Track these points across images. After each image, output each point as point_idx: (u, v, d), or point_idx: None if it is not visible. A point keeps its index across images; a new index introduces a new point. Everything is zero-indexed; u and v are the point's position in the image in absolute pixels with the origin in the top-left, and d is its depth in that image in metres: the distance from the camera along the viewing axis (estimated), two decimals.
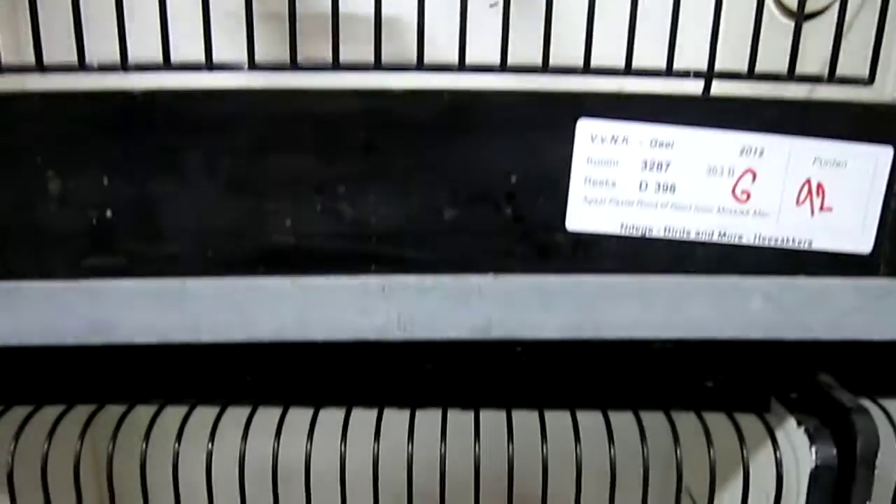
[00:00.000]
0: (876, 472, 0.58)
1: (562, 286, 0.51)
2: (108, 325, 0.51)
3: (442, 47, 0.49)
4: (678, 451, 0.61)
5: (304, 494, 0.62)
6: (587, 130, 0.49)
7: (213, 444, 0.61)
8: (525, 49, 0.50)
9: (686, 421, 0.65)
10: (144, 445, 0.61)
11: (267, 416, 0.64)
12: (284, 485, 0.62)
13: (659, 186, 0.51)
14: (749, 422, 0.64)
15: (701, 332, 0.52)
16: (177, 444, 0.61)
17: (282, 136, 0.50)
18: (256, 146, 0.50)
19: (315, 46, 0.49)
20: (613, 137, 0.50)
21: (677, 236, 0.51)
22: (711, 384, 0.66)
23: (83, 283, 0.51)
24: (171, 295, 0.51)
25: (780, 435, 0.62)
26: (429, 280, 0.51)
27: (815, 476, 0.59)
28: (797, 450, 0.60)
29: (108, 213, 0.50)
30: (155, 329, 0.51)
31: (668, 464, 0.90)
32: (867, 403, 0.61)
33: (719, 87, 0.51)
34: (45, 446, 0.61)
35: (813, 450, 0.59)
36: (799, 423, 0.61)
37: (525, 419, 0.64)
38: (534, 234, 0.51)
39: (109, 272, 0.51)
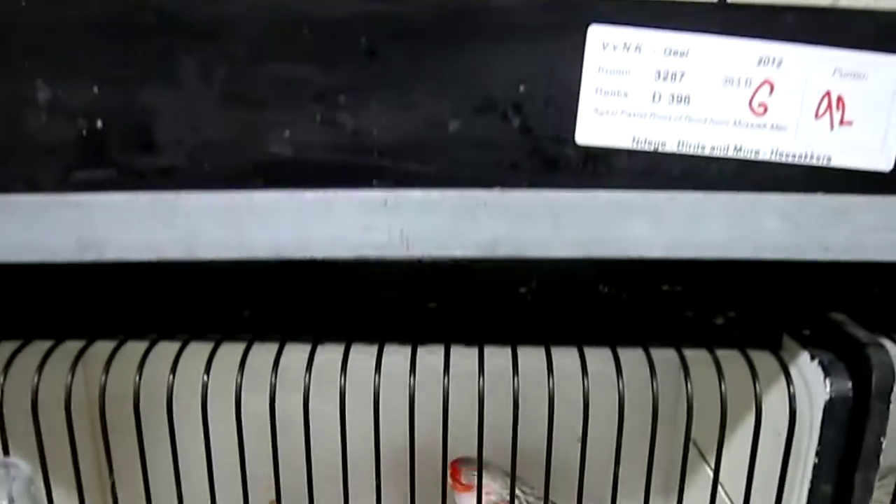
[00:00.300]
0: (891, 406, 0.57)
1: (571, 202, 0.49)
2: (98, 241, 0.49)
3: None
4: (688, 386, 0.59)
5: (302, 430, 0.60)
6: (598, 37, 0.47)
7: (208, 377, 0.59)
8: None
9: (693, 361, 0.63)
10: (138, 378, 0.59)
11: (264, 351, 0.62)
12: (283, 422, 0.60)
13: (673, 98, 0.49)
14: (760, 359, 0.62)
15: (714, 251, 0.50)
16: (171, 377, 0.59)
17: (280, 42, 0.47)
18: (254, 52, 0.47)
19: None
20: (626, 45, 0.48)
21: (691, 151, 0.49)
22: (722, 322, 0.64)
23: (72, 197, 0.49)
24: (164, 210, 0.49)
25: (793, 370, 0.60)
26: (433, 194, 0.49)
27: (829, 409, 0.57)
28: (811, 384, 0.59)
29: (99, 124, 0.48)
30: (147, 246, 0.49)
31: (674, 405, 0.88)
32: (881, 340, 0.59)
33: None
34: (35, 379, 0.59)
35: (827, 382, 0.57)
36: (812, 357, 0.59)
37: (531, 357, 0.63)
38: (542, 147, 0.49)
39: (99, 185, 0.49)
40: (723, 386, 0.59)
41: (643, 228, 0.49)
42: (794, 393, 0.59)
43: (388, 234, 0.49)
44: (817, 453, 0.58)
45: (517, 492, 0.90)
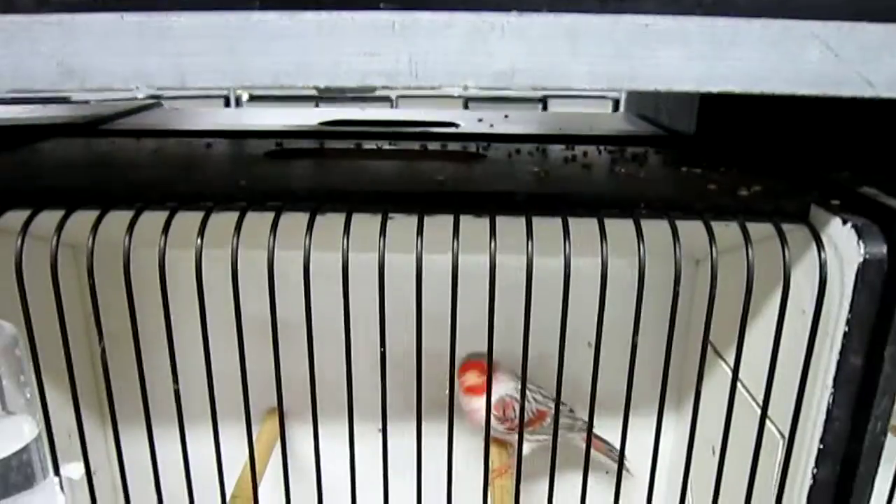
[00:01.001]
0: None
1: (594, 27, 0.45)
2: (80, 68, 0.45)
3: None
4: (713, 251, 0.56)
5: (302, 297, 0.57)
6: None
7: (202, 241, 0.56)
8: None
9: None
10: (127, 240, 0.55)
11: (261, 220, 0.58)
12: (282, 291, 0.57)
13: None
14: (787, 230, 0.58)
15: (749, 83, 0.46)
16: (163, 238, 0.55)
17: None
18: None
19: None
20: None
21: None
22: (746, 193, 0.61)
23: (52, 18, 0.45)
24: (152, 32, 0.45)
25: (823, 237, 0.57)
26: (444, 17, 0.45)
27: (862, 273, 0.54)
28: (842, 249, 0.55)
29: None
30: (134, 73, 0.45)
31: (689, 305, 0.85)
32: None
33: None
34: (18, 242, 0.55)
35: (861, 245, 0.54)
36: (844, 221, 0.55)
37: (542, 257, 0.59)
38: None
39: (82, 5, 0.45)
40: (749, 252, 0.56)
41: (672, 57, 0.45)
42: (825, 259, 0.55)
43: (396, 61, 0.45)
44: (847, 322, 0.55)
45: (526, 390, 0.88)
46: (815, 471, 0.59)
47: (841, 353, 0.56)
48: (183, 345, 0.59)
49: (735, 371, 0.60)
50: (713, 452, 0.85)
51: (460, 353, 0.88)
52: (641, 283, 0.56)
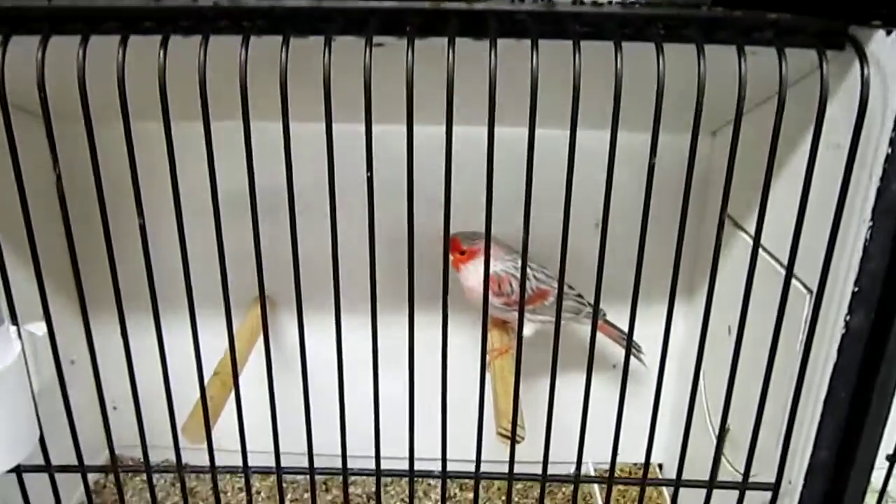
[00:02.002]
0: None
1: None
2: None
3: None
4: (742, 66, 0.49)
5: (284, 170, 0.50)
6: None
7: (164, 57, 0.49)
8: None
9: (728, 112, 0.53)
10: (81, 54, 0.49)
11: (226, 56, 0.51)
12: (262, 162, 0.51)
13: None
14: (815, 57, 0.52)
15: None
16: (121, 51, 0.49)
17: None
18: None
19: None
20: None
21: None
22: (776, 16, 0.54)
23: None
24: None
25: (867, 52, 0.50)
26: None
27: None
28: (885, 64, 0.49)
29: None
30: None
31: (704, 175, 0.78)
32: None
33: None
34: None
35: None
36: (889, 32, 0.49)
37: (546, 129, 0.53)
38: None
39: None
40: (783, 66, 0.49)
41: None
42: (867, 76, 0.49)
43: None
44: (891, 142, 0.49)
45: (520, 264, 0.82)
46: (847, 319, 0.54)
47: (882, 179, 0.50)
48: (163, 227, 0.54)
49: (759, 223, 0.54)
50: (729, 332, 0.80)
51: (455, 230, 0.83)
52: (659, 105, 0.50)
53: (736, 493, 0.61)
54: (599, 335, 0.89)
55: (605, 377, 0.98)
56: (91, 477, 0.65)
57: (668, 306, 0.57)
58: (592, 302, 0.85)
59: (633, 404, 0.62)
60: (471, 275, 0.81)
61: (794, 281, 0.57)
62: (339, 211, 0.54)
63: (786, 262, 0.55)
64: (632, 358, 0.60)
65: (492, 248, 0.83)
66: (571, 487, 1.02)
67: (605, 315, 0.85)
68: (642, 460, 1.06)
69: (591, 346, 0.59)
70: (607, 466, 1.06)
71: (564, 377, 0.91)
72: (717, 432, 0.66)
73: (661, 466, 1.05)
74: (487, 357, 0.84)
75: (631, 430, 0.67)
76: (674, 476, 0.62)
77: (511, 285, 0.81)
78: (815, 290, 0.55)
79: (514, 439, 0.60)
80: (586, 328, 0.88)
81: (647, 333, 0.73)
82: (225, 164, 0.52)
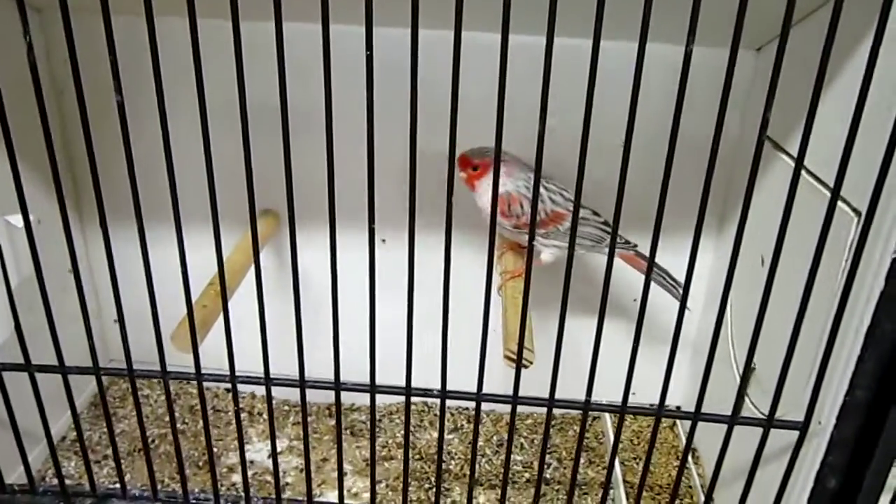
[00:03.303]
0: None
1: None
2: None
3: None
4: None
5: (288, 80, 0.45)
6: None
7: None
8: None
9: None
10: None
11: None
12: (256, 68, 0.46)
13: None
14: None
15: None
16: None
17: None
18: None
19: None
20: None
21: None
22: None
23: None
24: None
25: None
26: None
27: None
28: None
29: None
30: None
31: (744, 97, 0.71)
32: None
33: None
34: None
35: None
36: None
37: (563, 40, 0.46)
38: None
39: None
40: None
41: None
42: None
43: None
44: None
45: (541, 188, 0.77)
46: None
47: None
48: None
49: (805, 139, 0.48)
50: (762, 263, 0.75)
51: (463, 148, 0.77)
52: (696, 11, 0.43)
53: (758, 435, 0.56)
54: (630, 268, 0.84)
55: (630, 313, 0.93)
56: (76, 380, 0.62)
57: (694, 232, 0.51)
58: (621, 232, 0.80)
59: (654, 342, 0.57)
60: (485, 192, 0.76)
61: (839, 203, 0.51)
62: (342, 122, 0.49)
63: (830, 184, 0.49)
64: (652, 292, 0.54)
65: (503, 165, 0.77)
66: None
67: (635, 247, 0.79)
68: (667, 402, 1.02)
69: (606, 275, 0.53)
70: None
71: (584, 311, 0.87)
72: (741, 371, 0.60)
73: (678, 409, 1.01)
74: (499, 279, 0.79)
75: (650, 370, 0.63)
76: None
77: (522, 206, 0.76)
78: (863, 211, 0.49)
79: (520, 362, 0.55)
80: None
81: (678, 265, 0.68)
82: (228, 68, 0.47)
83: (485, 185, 0.75)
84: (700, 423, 0.56)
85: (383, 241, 0.90)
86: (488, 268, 0.53)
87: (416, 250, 0.63)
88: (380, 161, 0.49)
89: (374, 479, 0.61)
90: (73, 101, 0.48)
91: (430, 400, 1.01)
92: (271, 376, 0.57)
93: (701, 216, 0.50)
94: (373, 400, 0.57)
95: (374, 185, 0.49)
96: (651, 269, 0.53)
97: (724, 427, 0.56)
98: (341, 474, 0.62)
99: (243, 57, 0.46)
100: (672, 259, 0.77)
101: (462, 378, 0.61)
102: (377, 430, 0.97)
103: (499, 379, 0.63)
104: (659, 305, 0.79)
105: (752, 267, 0.76)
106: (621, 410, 0.57)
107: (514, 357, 0.64)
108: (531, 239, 0.52)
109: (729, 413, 0.56)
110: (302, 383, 0.56)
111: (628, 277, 0.85)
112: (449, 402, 1.03)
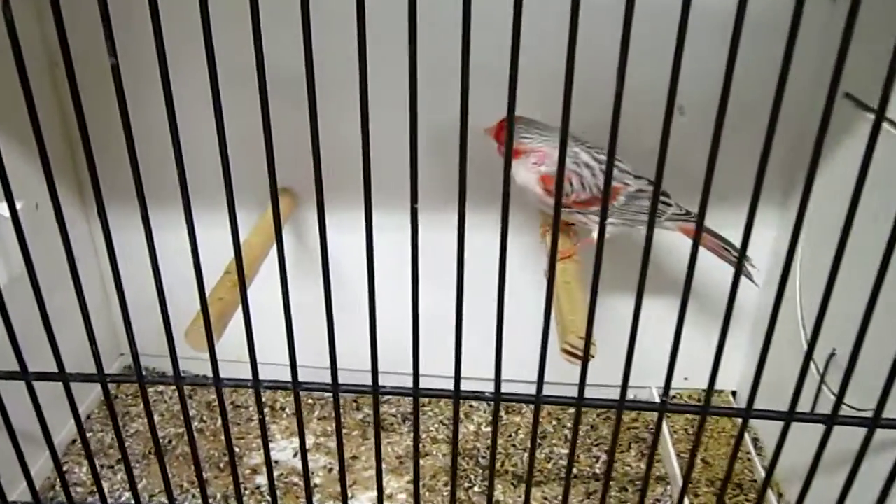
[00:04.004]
0: None
1: None
2: None
3: None
4: None
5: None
6: None
7: None
8: None
9: None
10: None
11: None
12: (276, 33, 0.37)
13: None
14: None
15: None
16: None
17: None
18: None
19: None
20: None
21: None
22: None
23: None
24: None
25: None
26: None
27: None
28: None
29: None
30: None
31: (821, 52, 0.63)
32: None
33: None
34: None
35: None
36: None
37: None
38: None
39: None
40: None
41: None
42: None
43: None
44: None
45: (584, 153, 0.68)
46: None
47: None
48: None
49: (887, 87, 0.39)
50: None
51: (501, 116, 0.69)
52: None
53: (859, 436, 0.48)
54: (688, 243, 0.74)
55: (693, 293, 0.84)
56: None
57: (752, 197, 0.42)
58: (681, 203, 0.72)
59: (711, 323, 0.49)
60: (522, 166, 0.67)
61: None
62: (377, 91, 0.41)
63: None
64: (710, 266, 0.46)
65: (546, 143, 0.69)
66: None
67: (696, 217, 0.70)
68: (720, 387, 0.95)
69: (645, 252, 0.45)
70: (672, 392, 0.95)
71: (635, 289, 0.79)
72: (810, 355, 0.52)
73: (734, 394, 0.93)
74: (545, 262, 0.72)
75: (707, 351, 0.55)
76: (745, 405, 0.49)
77: (571, 183, 0.67)
78: None
79: (587, 356, 0.47)
80: (670, 234, 0.75)
81: (741, 237, 0.59)
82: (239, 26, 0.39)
83: (523, 159, 0.67)
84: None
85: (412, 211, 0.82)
86: (552, 252, 0.46)
87: (448, 232, 0.55)
88: (404, 131, 0.41)
89: (417, 483, 0.54)
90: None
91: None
92: (300, 380, 0.50)
93: (758, 185, 0.42)
94: (416, 405, 0.50)
95: (416, 158, 0.41)
96: (698, 242, 0.45)
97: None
98: (380, 478, 0.55)
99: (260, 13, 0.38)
100: (736, 232, 0.69)
101: (486, 366, 0.53)
102: (409, 422, 0.90)
103: (530, 367, 0.56)
104: (717, 280, 0.71)
105: (828, 240, 0.67)
106: (660, 409, 0.49)
107: (575, 351, 0.56)
108: (603, 218, 0.44)
109: (804, 409, 0.48)
110: (335, 388, 0.49)
111: (684, 252, 0.77)
112: (484, 390, 0.97)
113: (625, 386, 0.48)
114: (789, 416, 0.48)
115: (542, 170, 0.67)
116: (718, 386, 0.94)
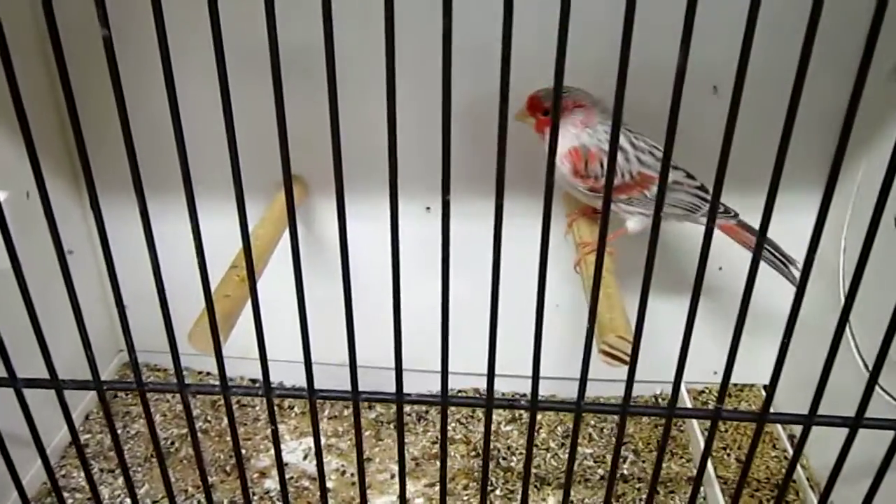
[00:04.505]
0: None
1: None
2: None
3: None
4: None
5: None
6: None
7: None
8: None
9: None
10: None
11: None
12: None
13: None
14: None
15: None
16: None
17: None
18: None
19: None
20: None
21: None
22: None
23: None
24: None
25: None
26: None
27: None
28: None
29: None
30: None
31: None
32: None
33: None
34: None
35: None
36: None
37: None
38: None
39: None
40: None
41: None
42: None
43: None
44: None
45: (622, 137, 0.63)
46: None
47: None
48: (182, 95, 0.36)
49: None
50: (895, 225, 0.61)
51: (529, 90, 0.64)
52: None
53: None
54: (730, 240, 0.69)
55: (713, 284, 0.80)
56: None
57: (772, 175, 0.38)
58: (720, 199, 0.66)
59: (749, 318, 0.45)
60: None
61: None
62: (374, 65, 0.36)
63: None
64: (741, 261, 0.41)
65: (583, 110, 0.64)
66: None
67: (736, 215, 0.65)
68: (751, 381, 0.90)
69: (652, 237, 0.41)
70: (700, 387, 0.91)
71: (673, 288, 0.74)
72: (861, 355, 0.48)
73: (765, 388, 0.89)
74: (575, 253, 0.67)
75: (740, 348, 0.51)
76: (791, 408, 0.44)
77: (602, 164, 0.63)
78: None
79: (635, 357, 0.42)
80: (702, 228, 0.69)
81: (784, 229, 0.55)
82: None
83: (567, 116, 0.62)
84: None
85: (427, 209, 0.77)
86: (601, 244, 0.41)
87: (470, 220, 0.51)
88: (419, 111, 0.36)
89: (444, 489, 0.50)
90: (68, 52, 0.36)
91: (483, 387, 0.90)
92: (315, 388, 0.46)
93: (780, 163, 0.37)
94: (444, 415, 0.45)
95: (449, 146, 0.36)
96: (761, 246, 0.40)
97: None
98: (403, 486, 0.50)
99: None
100: (775, 227, 0.64)
101: (507, 362, 0.48)
102: (425, 422, 0.86)
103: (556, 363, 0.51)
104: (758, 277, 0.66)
105: (881, 231, 0.63)
106: (714, 417, 0.44)
107: (614, 352, 0.52)
108: (658, 209, 0.39)
109: (850, 411, 0.44)
110: (355, 397, 0.45)
111: (715, 246, 0.72)
112: (502, 388, 0.93)
113: (674, 396, 0.43)
114: (809, 420, 0.44)
115: (573, 144, 0.62)
116: (751, 381, 0.89)
